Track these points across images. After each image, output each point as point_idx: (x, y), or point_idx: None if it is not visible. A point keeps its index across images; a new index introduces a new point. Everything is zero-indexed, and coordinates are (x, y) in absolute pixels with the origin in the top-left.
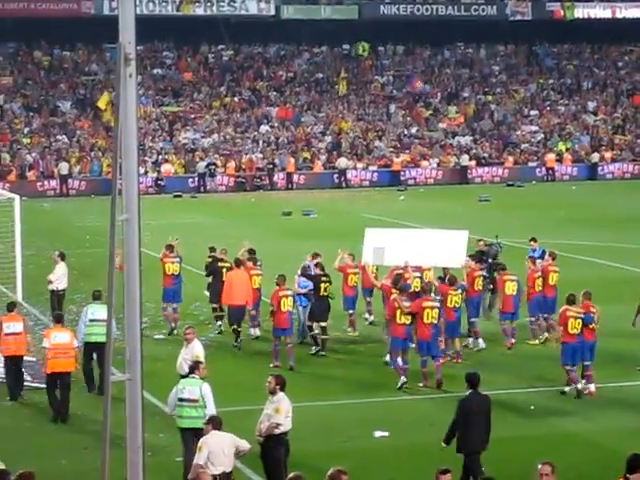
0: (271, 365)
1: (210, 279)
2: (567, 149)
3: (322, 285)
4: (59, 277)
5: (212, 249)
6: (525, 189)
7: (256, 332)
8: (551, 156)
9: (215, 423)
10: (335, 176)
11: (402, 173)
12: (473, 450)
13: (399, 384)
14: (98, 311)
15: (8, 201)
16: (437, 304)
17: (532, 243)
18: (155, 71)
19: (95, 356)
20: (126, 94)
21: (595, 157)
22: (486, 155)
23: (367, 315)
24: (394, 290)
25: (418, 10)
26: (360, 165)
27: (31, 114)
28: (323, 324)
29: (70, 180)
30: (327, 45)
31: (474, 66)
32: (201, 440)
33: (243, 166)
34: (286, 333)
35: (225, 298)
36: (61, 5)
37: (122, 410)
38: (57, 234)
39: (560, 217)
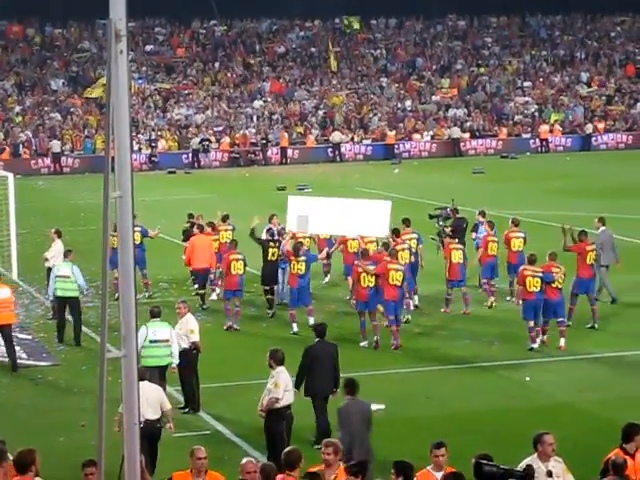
0: (224, 327)
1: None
2: (558, 120)
3: (270, 250)
4: (55, 254)
5: (190, 215)
6: (519, 161)
7: (213, 296)
8: (545, 127)
9: (142, 373)
10: (329, 150)
11: (396, 146)
12: (319, 394)
13: (364, 344)
14: (62, 268)
15: (1, 179)
16: (402, 267)
17: (480, 217)
18: (148, 47)
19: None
20: (117, 71)
21: (589, 128)
22: (480, 127)
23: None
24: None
25: None
26: (354, 139)
27: (24, 92)
28: (273, 286)
29: (63, 158)
30: (320, 19)
31: (467, 38)
32: None
33: (237, 141)
34: (236, 295)
35: (190, 261)
36: None
37: (118, 387)
38: (51, 212)
39: (554, 188)
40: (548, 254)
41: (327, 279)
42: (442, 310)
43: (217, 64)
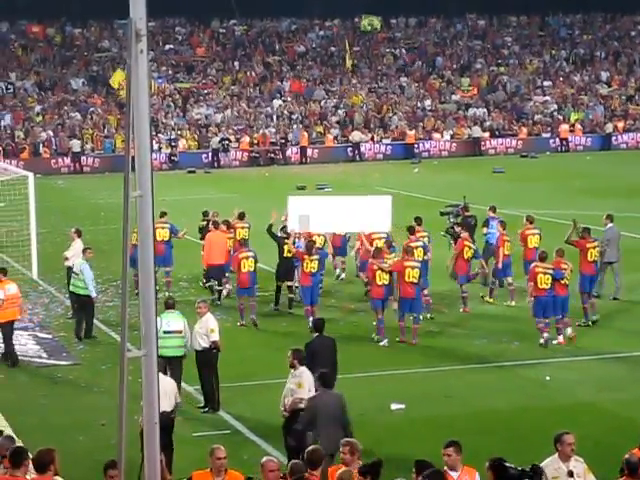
0: (238, 324)
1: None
2: (578, 120)
3: (285, 247)
4: (75, 254)
5: (205, 213)
6: (539, 160)
7: (223, 292)
8: (564, 127)
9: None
10: (349, 150)
11: (416, 146)
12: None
13: (384, 343)
14: (76, 265)
15: (22, 179)
16: (418, 264)
17: (490, 212)
18: (167, 47)
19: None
20: (137, 70)
21: (609, 127)
22: (500, 127)
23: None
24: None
25: None
26: (374, 138)
27: (44, 92)
28: (289, 283)
29: (83, 157)
30: (339, 18)
31: (487, 37)
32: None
33: (256, 141)
34: (247, 293)
35: (205, 258)
36: None
37: (138, 386)
38: (71, 211)
39: (574, 187)
40: (555, 250)
41: (342, 275)
42: (461, 310)
43: (237, 63)
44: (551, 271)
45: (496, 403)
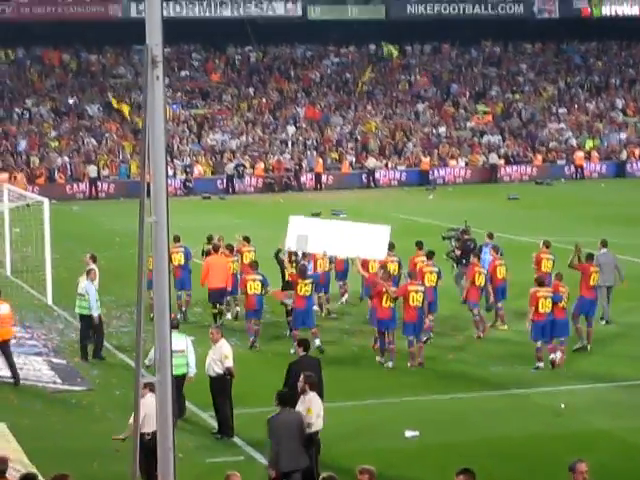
0: (249, 345)
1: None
2: (594, 147)
3: (286, 272)
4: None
5: (210, 238)
6: (554, 187)
7: (227, 315)
8: (580, 154)
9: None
10: (364, 176)
11: (431, 172)
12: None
13: (388, 365)
14: (81, 285)
15: (37, 204)
16: (422, 288)
17: (487, 239)
18: (183, 73)
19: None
20: (153, 96)
21: (624, 155)
22: (515, 154)
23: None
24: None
25: (445, 9)
26: (389, 165)
27: (59, 117)
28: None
29: (99, 183)
30: (354, 45)
31: (502, 64)
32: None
33: (271, 167)
34: (254, 315)
35: (204, 280)
36: (88, 8)
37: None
38: (86, 237)
39: (589, 215)
40: (554, 274)
41: (344, 299)
42: (475, 336)
43: (252, 90)
44: (551, 295)
45: (510, 430)
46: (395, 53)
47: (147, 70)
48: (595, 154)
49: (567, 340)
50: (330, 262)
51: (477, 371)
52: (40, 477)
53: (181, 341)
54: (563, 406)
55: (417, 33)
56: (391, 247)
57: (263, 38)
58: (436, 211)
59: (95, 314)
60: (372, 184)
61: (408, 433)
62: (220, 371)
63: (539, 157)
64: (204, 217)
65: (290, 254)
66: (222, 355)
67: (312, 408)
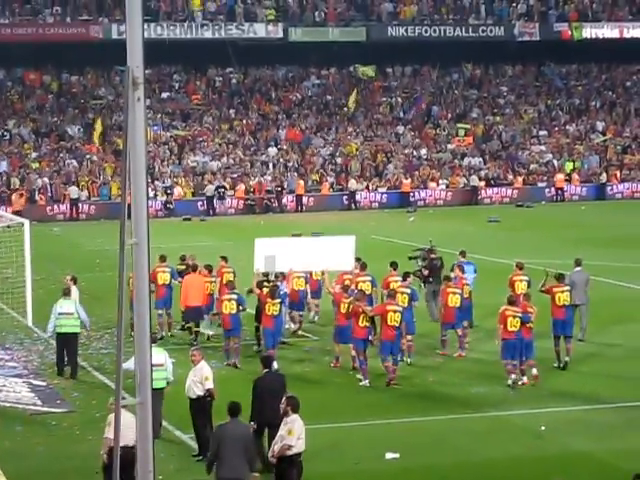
0: (224, 364)
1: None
2: (575, 169)
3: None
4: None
5: (183, 257)
6: (534, 209)
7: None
8: (560, 176)
9: None
10: (344, 198)
11: (411, 194)
12: (269, 423)
13: (364, 383)
14: (66, 306)
15: (18, 226)
16: (400, 308)
17: (460, 257)
18: (164, 95)
19: (66, 348)
20: (134, 117)
21: (604, 177)
22: (495, 176)
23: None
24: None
25: (426, 31)
26: (370, 187)
27: (40, 138)
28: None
29: (80, 204)
30: (335, 67)
31: (482, 87)
32: (109, 416)
33: (252, 189)
34: (231, 334)
35: (182, 300)
36: (70, 30)
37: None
38: (67, 258)
39: (570, 237)
40: (522, 295)
41: (316, 317)
42: (439, 352)
43: (233, 111)
44: (520, 314)
45: (491, 452)
46: (371, 73)
47: (128, 91)
48: (575, 176)
49: (533, 360)
50: (306, 282)
51: (457, 392)
52: None
53: (160, 356)
54: (543, 428)
55: (398, 55)
56: (364, 267)
57: (244, 60)
58: (416, 233)
59: (88, 327)
60: (353, 206)
61: (388, 455)
62: (200, 393)
63: (519, 179)
64: (185, 238)
65: (260, 280)
66: (203, 377)
67: (294, 430)
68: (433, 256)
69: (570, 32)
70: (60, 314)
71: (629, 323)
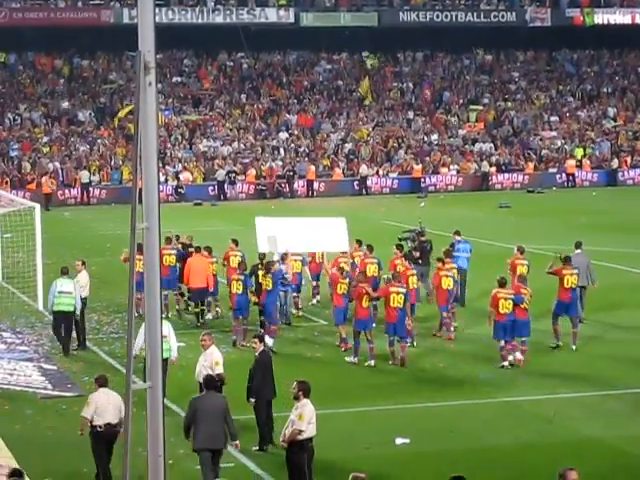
0: (239, 345)
1: (179, 264)
2: (586, 155)
3: (260, 272)
4: (82, 285)
5: (177, 237)
6: (545, 195)
7: (208, 315)
8: (571, 162)
9: (101, 380)
10: (355, 183)
11: (422, 180)
12: (267, 399)
13: (370, 363)
14: (65, 284)
15: (29, 210)
16: (403, 290)
17: (456, 236)
18: (175, 79)
19: (63, 325)
20: (146, 102)
21: (615, 163)
22: (506, 161)
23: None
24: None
25: (437, 17)
26: (380, 172)
27: (51, 123)
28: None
29: (91, 188)
30: (347, 52)
31: (494, 72)
32: (89, 396)
33: (263, 174)
34: (236, 314)
35: (187, 281)
36: (81, 14)
37: (143, 419)
38: (78, 242)
39: (581, 223)
40: (516, 276)
41: (315, 300)
42: (446, 338)
43: (244, 96)
44: (512, 296)
45: (501, 439)
46: (375, 63)
47: (139, 76)
48: (587, 162)
49: (528, 340)
50: (303, 264)
51: (466, 377)
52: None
53: (164, 327)
54: (553, 414)
55: (409, 41)
56: (371, 249)
57: (255, 45)
58: (427, 219)
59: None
60: (364, 191)
61: (398, 440)
62: None
63: (531, 165)
64: (195, 223)
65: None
66: (213, 362)
67: (304, 414)
68: (423, 239)
69: (582, 18)
70: (60, 292)
71: (638, 309)
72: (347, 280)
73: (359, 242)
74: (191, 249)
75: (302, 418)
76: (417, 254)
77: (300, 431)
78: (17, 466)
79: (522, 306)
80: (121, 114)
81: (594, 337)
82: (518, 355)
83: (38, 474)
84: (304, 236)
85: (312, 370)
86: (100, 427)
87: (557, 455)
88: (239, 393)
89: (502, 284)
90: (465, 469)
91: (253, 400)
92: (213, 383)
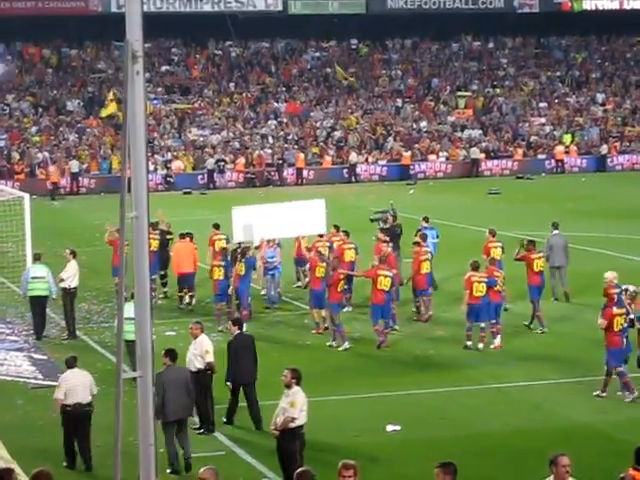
0: (217, 329)
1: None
2: (574, 141)
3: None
4: (71, 275)
5: (156, 223)
6: (535, 181)
7: (186, 299)
8: (560, 148)
9: (70, 362)
10: (345, 171)
11: (411, 167)
12: (245, 382)
13: (344, 346)
14: (38, 270)
15: (18, 200)
16: (390, 274)
17: (424, 223)
18: (163, 68)
19: (37, 309)
20: (134, 92)
21: (604, 149)
22: (495, 148)
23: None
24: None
25: (425, 4)
26: (370, 159)
27: (40, 113)
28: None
29: (80, 178)
30: (335, 40)
31: (482, 59)
32: (60, 377)
33: (252, 162)
34: (218, 299)
35: (175, 267)
36: (69, 3)
37: (134, 408)
38: (67, 232)
39: (570, 209)
40: (488, 260)
41: (301, 283)
42: (415, 319)
43: (232, 85)
44: (485, 279)
45: (491, 425)
46: (364, 51)
47: (127, 65)
48: (575, 148)
49: (501, 322)
50: (279, 245)
51: (458, 366)
52: (20, 473)
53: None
54: (542, 400)
55: (397, 28)
56: (347, 234)
57: (244, 33)
58: (417, 206)
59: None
60: (353, 179)
61: (389, 427)
62: (201, 366)
63: (520, 151)
64: (185, 212)
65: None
66: (203, 350)
67: (296, 401)
68: (394, 223)
69: (570, 4)
70: (33, 278)
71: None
72: (325, 264)
73: (337, 227)
74: (169, 236)
75: (294, 405)
76: (382, 236)
77: (293, 418)
78: (7, 455)
79: (495, 289)
80: (103, 114)
81: (581, 322)
82: (497, 341)
83: (29, 464)
84: (280, 221)
85: (301, 358)
86: (69, 406)
87: (546, 441)
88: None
89: (475, 267)
90: (455, 456)
91: (229, 383)
92: (174, 355)
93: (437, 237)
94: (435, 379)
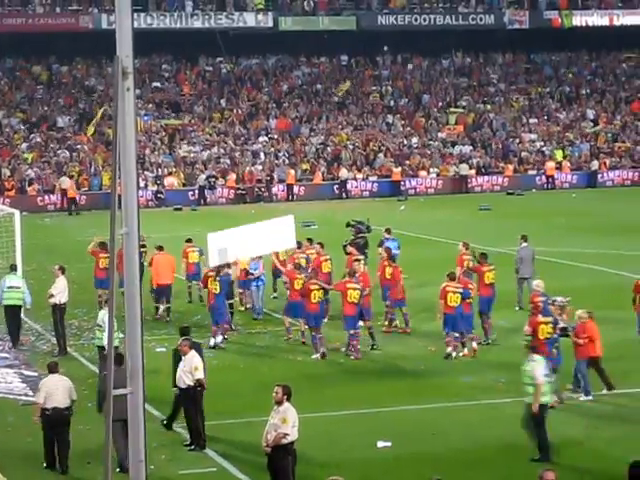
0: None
1: None
2: (566, 157)
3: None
4: (60, 291)
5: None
6: (525, 197)
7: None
8: (551, 164)
9: (52, 366)
10: (335, 187)
11: (402, 183)
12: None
13: (315, 357)
14: (14, 280)
15: (8, 216)
16: (359, 287)
17: (385, 234)
18: (154, 84)
19: (12, 318)
20: (124, 108)
21: (595, 165)
22: (486, 164)
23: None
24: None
25: (416, 20)
26: (360, 176)
27: (30, 129)
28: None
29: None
30: (326, 56)
31: (472, 75)
32: (40, 383)
33: (243, 178)
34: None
35: (154, 278)
36: (59, 20)
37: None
38: (58, 249)
39: (560, 225)
40: (462, 272)
41: (275, 293)
42: (384, 329)
43: (223, 101)
44: (460, 290)
45: (482, 440)
46: (345, 88)
47: (117, 81)
48: (566, 164)
49: (487, 337)
50: (260, 257)
51: (450, 381)
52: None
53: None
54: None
55: (388, 44)
56: (322, 246)
57: (234, 49)
58: (408, 222)
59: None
60: (344, 195)
61: (380, 444)
62: (190, 383)
63: (510, 167)
64: (175, 228)
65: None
66: (192, 367)
67: (288, 418)
68: (360, 235)
69: (560, 20)
70: (9, 287)
71: (616, 310)
72: (303, 275)
73: (310, 240)
74: (144, 249)
75: (286, 422)
76: (349, 247)
77: (285, 435)
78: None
79: (468, 301)
80: (89, 132)
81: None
82: (474, 344)
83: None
84: (253, 241)
85: (291, 374)
86: (48, 410)
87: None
88: (220, 399)
89: (452, 278)
90: (446, 471)
91: (175, 389)
92: (120, 359)
93: (399, 248)
94: (427, 394)
